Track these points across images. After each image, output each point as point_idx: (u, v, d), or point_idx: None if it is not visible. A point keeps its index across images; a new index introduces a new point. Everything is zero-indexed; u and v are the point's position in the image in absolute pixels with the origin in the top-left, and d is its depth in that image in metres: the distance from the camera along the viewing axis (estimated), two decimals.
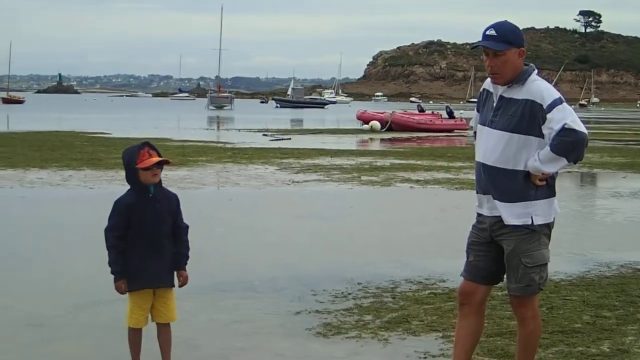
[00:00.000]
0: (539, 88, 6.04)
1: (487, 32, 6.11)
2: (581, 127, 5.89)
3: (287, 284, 10.22)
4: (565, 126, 5.85)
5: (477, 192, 6.29)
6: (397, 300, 9.48)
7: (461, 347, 6.43)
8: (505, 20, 6.23)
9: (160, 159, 6.70)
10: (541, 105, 5.95)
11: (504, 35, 6.08)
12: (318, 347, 7.79)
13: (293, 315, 8.86)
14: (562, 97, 6.04)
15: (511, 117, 6.04)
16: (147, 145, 6.76)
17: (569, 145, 5.89)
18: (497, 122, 6.12)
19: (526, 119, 5.99)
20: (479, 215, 6.31)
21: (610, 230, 15.11)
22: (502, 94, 6.14)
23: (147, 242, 6.67)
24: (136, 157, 6.64)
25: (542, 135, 5.98)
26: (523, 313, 6.26)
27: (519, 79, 6.09)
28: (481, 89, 6.42)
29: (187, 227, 6.93)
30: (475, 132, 6.48)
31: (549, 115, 5.92)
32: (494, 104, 6.19)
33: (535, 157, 5.97)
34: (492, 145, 6.12)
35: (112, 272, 6.69)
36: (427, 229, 14.94)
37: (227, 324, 8.53)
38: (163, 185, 6.88)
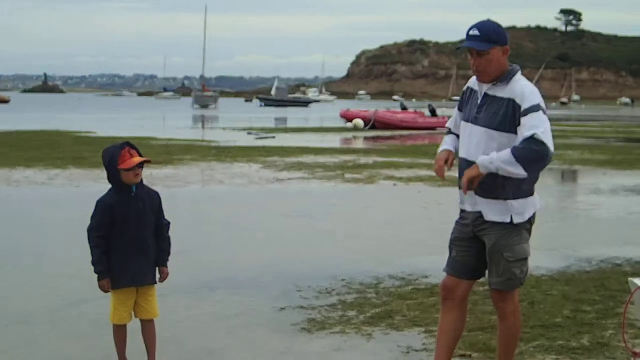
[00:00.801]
0: (522, 89, 6.06)
1: (470, 32, 6.14)
2: (549, 142, 5.88)
3: (271, 281, 10.23)
4: (535, 136, 5.86)
5: (460, 188, 6.32)
6: (380, 296, 9.50)
7: (444, 341, 6.45)
8: (488, 19, 6.25)
9: (142, 159, 6.70)
10: (520, 107, 5.98)
11: (487, 35, 6.10)
12: (302, 342, 7.79)
13: (278, 311, 8.87)
14: (541, 103, 6.04)
15: (494, 115, 6.07)
16: (127, 145, 6.74)
17: (532, 155, 5.86)
18: (480, 119, 6.15)
19: (508, 117, 6.02)
20: (462, 211, 6.35)
21: (590, 226, 15.16)
22: (487, 91, 6.17)
23: (130, 241, 6.67)
24: (117, 158, 6.62)
25: None
26: (504, 307, 6.28)
27: (504, 77, 6.13)
28: (465, 87, 6.44)
29: (168, 223, 6.95)
30: (448, 130, 6.50)
31: (522, 120, 5.95)
32: (478, 101, 6.22)
33: (492, 155, 5.94)
34: (475, 142, 6.15)
35: (95, 272, 6.68)
36: (410, 225, 14.95)
37: (212, 321, 8.53)
38: (146, 183, 6.89)
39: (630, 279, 6.44)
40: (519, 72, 6.17)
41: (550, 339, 7.79)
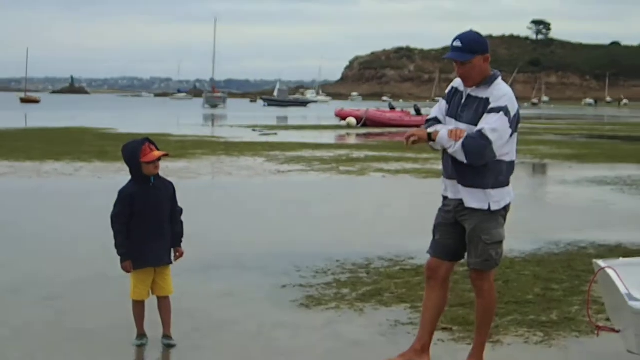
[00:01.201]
0: (499, 92, 6.10)
1: (454, 44, 6.16)
2: (494, 140, 5.91)
3: (274, 261, 10.21)
4: (483, 130, 5.93)
5: (444, 178, 6.33)
6: (371, 275, 9.49)
7: (428, 316, 6.46)
8: (470, 30, 6.26)
9: (161, 153, 6.73)
10: (489, 104, 6.04)
11: (469, 46, 6.12)
12: (301, 317, 7.80)
13: (279, 288, 8.86)
14: (509, 106, 6.04)
15: (475, 113, 6.10)
16: (147, 140, 6.79)
17: (475, 147, 5.92)
18: (462, 117, 6.17)
19: (482, 115, 6.06)
20: (445, 198, 6.35)
21: (558, 214, 15.16)
22: (470, 92, 6.20)
23: (150, 226, 6.70)
24: (139, 152, 6.66)
25: None
26: (481, 285, 6.29)
27: (486, 81, 6.15)
28: (450, 87, 6.45)
29: (181, 210, 6.99)
30: (428, 120, 6.46)
31: (486, 114, 6.01)
32: (462, 101, 6.23)
33: (443, 134, 6.05)
34: None
35: (118, 254, 6.71)
36: (397, 212, 14.95)
37: (220, 297, 8.53)
38: (162, 174, 6.90)
39: (595, 260, 6.42)
40: (499, 78, 6.20)
41: (522, 314, 7.79)
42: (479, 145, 5.92)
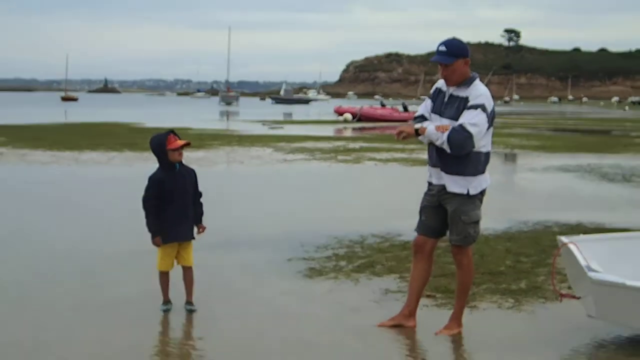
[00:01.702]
0: (477, 91, 6.12)
1: (439, 48, 6.19)
2: (474, 133, 5.95)
3: (281, 239, 10.21)
4: (463, 124, 5.96)
5: (429, 165, 6.35)
6: (365, 250, 9.50)
7: (415, 286, 6.50)
8: (454, 37, 6.29)
9: (184, 142, 6.76)
10: (468, 102, 6.06)
11: (452, 50, 6.15)
12: (305, 285, 7.82)
13: (286, 262, 8.86)
14: (486, 104, 6.07)
15: (456, 110, 6.12)
16: (171, 132, 6.83)
17: (457, 139, 5.95)
18: (445, 113, 6.19)
19: (462, 111, 6.07)
20: (429, 184, 6.37)
21: (527, 197, 15.17)
22: (452, 92, 6.22)
23: (176, 207, 6.76)
24: (165, 142, 6.70)
25: None
26: (460, 259, 6.31)
27: (466, 82, 6.17)
28: (434, 87, 6.46)
29: (201, 193, 7.02)
30: (415, 118, 6.46)
31: (466, 111, 6.04)
32: (445, 99, 6.24)
33: (430, 129, 6.02)
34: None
35: (150, 231, 6.75)
36: (388, 196, 14.93)
37: (235, 269, 8.53)
38: (184, 163, 6.94)
39: (558, 237, 6.43)
40: (477, 79, 6.22)
41: (496, 283, 7.81)
42: (461, 137, 5.94)
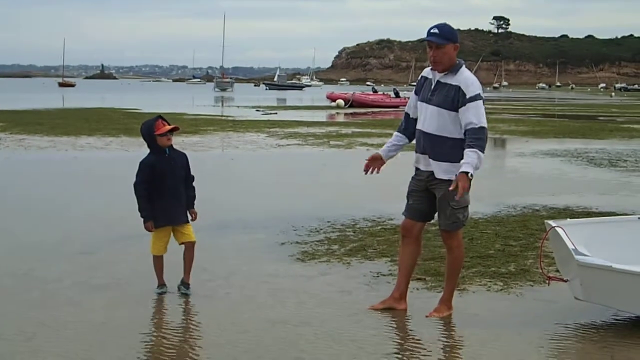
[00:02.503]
0: (467, 79, 6.08)
1: (432, 31, 6.13)
2: (484, 123, 6.02)
3: (274, 222, 10.16)
4: (481, 126, 5.94)
5: (416, 152, 6.32)
6: (356, 233, 9.47)
7: (404, 269, 6.47)
8: (445, 23, 6.23)
9: (171, 127, 6.72)
10: (464, 94, 6.00)
11: (444, 34, 6.11)
12: (298, 269, 7.78)
13: (279, 245, 8.83)
14: (480, 92, 6.09)
15: (445, 97, 6.07)
16: (160, 118, 6.82)
17: (484, 141, 5.97)
18: (433, 100, 6.14)
19: (455, 100, 6.03)
20: (417, 169, 6.34)
21: (516, 181, 15.17)
22: (439, 79, 6.16)
23: (167, 191, 6.70)
24: (154, 127, 6.67)
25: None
26: (450, 243, 6.29)
27: (453, 69, 6.12)
28: (420, 77, 6.42)
29: (193, 177, 6.97)
30: (407, 115, 6.46)
31: (468, 104, 5.98)
32: (432, 87, 6.20)
33: (469, 163, 5.83)
34: (429, 118, 6.16)
35: (142, 216, 6.70)
36: (379, 180, 14.77)
37: (229, 252, 8.49)
38: (178, 147, 6.90)
39: (546, 220, 6.42)
40: (464, 66, 6.18)
41: (485, 267, 7.79)
42: (483, 138, 5.96)
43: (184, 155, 6.99)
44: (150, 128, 6.71)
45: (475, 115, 5.96)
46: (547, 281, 6.48)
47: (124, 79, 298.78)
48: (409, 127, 6.46)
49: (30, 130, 25.19)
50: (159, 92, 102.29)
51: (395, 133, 6.59)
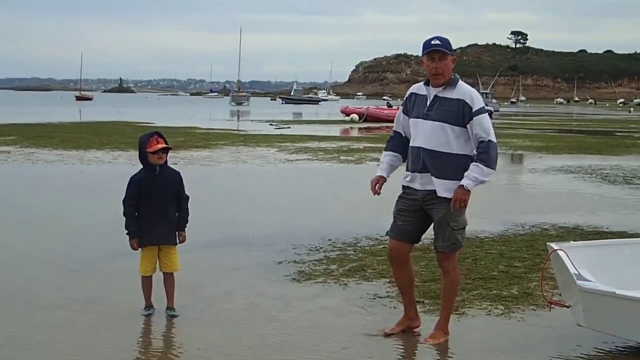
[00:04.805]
0: (469, 92, 5.89)
1: (433, 42, 5.92)
2: (493, 137, 5.85)
3: (274, 240, 9.92)
4: (490, 140, 5.76)
5: (410, 170, 6.05)
6: (357, 252, 9.20)
7: (405, 292, 6.28)
8: (441, 36, 5.97)
9: (164, 145, 6.46)
10: (471, 108, 5.81)
11: (446, 45, 5.92)
12: (292, 289, 7.52)
13: (276, 264, 8.57)
14: (484, 106, 5.95)
15: (446, 112, 5.84)
16: (156, 134, 6.55)
17: (494, 156, 5.79)
18: (431, 115, 5.90)
19: (459, 114, 5.82)
20: (408, 188, 6.08)
21: (525, 198, 14.84)
22: (437, 94, 5.93)
23: (154, 209, 6.45)
24: (146, 143, 6.42)
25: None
26: (447, 266, 6.03)
27: (451, 83, 5.90)
28: (408, 94, 6.20)
29: (187, 197, 6.68)
30: (397, 134, 6.26)
31: (475, 119, 5.78)
32: (428, 102, 5.95)
33: (473, 177, 5.72)
34: (428, 134, 5.90)
35: (127, 233, 6.46)
36: (386, 196, 14.56)
37: (222, 272, 8.25)
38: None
39: (548, 243, 6.14)
40: (460, 80, 5.95)
41: (487, 289, 7.50)
42: (490, 151, 5.76)
43: (178, 174, 6.73)
44: (143, 144, 6.50)
45: (482, 129, 5.77)
46: (549, 307, 6.18)
47: (142, 92, 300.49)
48: (403, 147, 6.20)
49: (40, 143, 25.13)
50: (175, 105, 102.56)
51: (388, 153, 6.33)
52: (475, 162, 5.75)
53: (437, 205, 5.91)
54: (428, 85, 6.01)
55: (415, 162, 6.03)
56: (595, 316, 5.66)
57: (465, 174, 5.74)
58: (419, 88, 6.10)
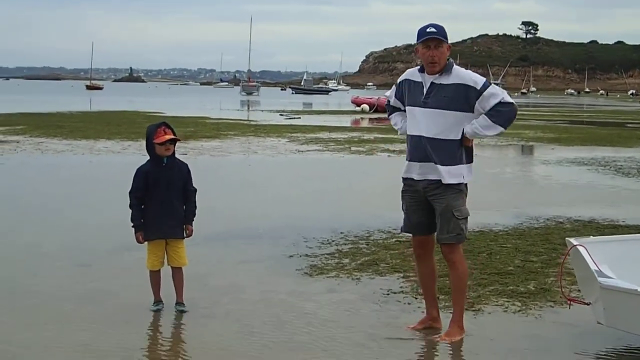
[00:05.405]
0: (467, 74, 5.81)
1: (429, 30, 5.79)
2: (513, 101, 5.77)
3: (285, 233, 9.76)
4: (502, 100, 5.67)
5: (411, 160, 5.91)
6: (370, 246, 9.03)
7: (429, 288, 6.15)
8: (437, 23, 5.86)
9: (170, 137, 6.29)
10: (474, 88, 5.70)
11: (442, 33, 5.81)
12: (304, 284, 7.36)
13: (287, 258, 8.41)
14: (485, 79, 5.84)
15: (444, 98, 5.73)
16: (164, 124, 6.39)
17: (507, 115, 5.71)
18: (430, 103, 5.78)
19: (460, 99, 5.70)
20: (407, 179, 5.99)
21: (540, 191, 14.62)
22: (433, 81, 5.81)
23: (160, 202, 6.30)
24: (154, 134, 6.26)
25: (471, 111, 5.73)
26: (453, 258, 5.90)
27: (446, 69, 5.78)
28: (400, 81, 6.07)
29: (195, 190, 6.52)
30: (390, 114, 6.28)
31: (485, 93, 5.68)
32: (424, 89, 5.82)
33: (474, 124, 5.71)
34: (427, 121, 5.79)
35: (132, 226, 6.32)
36: (399, 188, 14.42)
37: (233, 265, 8.10)
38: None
39: (567, 238, 5.96)
40: (455, 64, 5.85)
41: (503, 285, 7.32)
42: (505, 110, 5.69)
43: (185, 165, 6.57)
44: (151, 134, 6.34)
45: (494, 95, 5.69)
46: (568, 304, 6.01)
47: (152, 82, 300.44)
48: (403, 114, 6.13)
49: (50, 133, 25.05)
50: (185, 95, 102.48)
51: (399, 113, 6.22)
52: (485, 115, 5.69)
53: (439, 196, 5.81)
54: (423, 72, 5.85)
55: (415, 151, 5.92)
56: (616, 314, 5.48)
57: (472, 123, 5.72)
58: (412, 74, 5.96)
